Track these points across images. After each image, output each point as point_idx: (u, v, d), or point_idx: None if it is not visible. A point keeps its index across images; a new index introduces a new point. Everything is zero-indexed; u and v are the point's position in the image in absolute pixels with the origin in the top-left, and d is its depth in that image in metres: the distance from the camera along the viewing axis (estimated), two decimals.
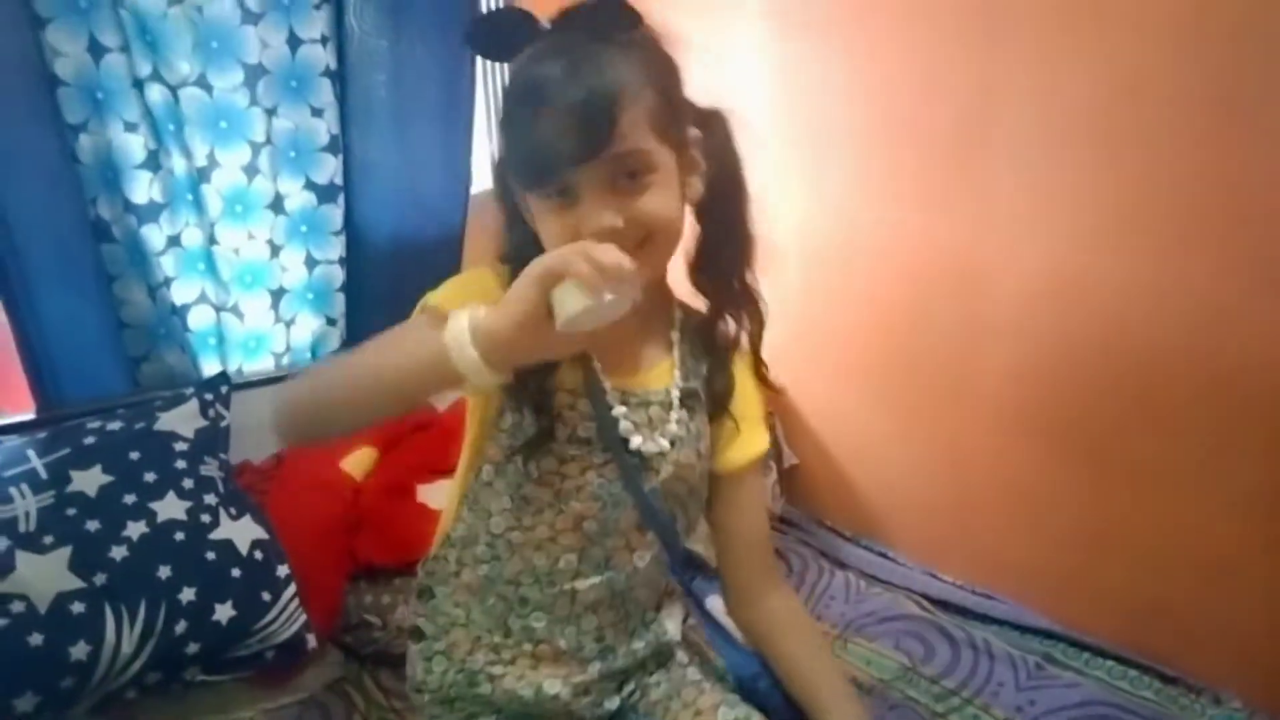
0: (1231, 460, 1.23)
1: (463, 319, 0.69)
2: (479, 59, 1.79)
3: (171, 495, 1.24)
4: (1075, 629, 1.39)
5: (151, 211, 1.51)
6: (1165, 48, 1.18)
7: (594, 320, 0.68)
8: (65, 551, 1.14)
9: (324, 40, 1.60)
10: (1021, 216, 1.39)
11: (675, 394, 0.91)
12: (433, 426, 1.58)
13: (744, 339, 0.95)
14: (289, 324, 1.73)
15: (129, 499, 1.21)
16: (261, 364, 1.72)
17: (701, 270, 0.92)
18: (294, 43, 1.58)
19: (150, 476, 1.25)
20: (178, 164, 1.52)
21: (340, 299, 1.76)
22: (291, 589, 1.27)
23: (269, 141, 1.60)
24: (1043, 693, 1.26)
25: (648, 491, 0.89)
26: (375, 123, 1.71)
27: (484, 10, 0.74)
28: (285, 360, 1.74)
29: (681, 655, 1.03)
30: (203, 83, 1.52)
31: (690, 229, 0.88)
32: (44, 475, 1.20)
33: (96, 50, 1.41)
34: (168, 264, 1.55)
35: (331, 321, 1.77)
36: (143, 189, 1.50)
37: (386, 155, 1.73)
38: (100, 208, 1.48)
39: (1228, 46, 1.13)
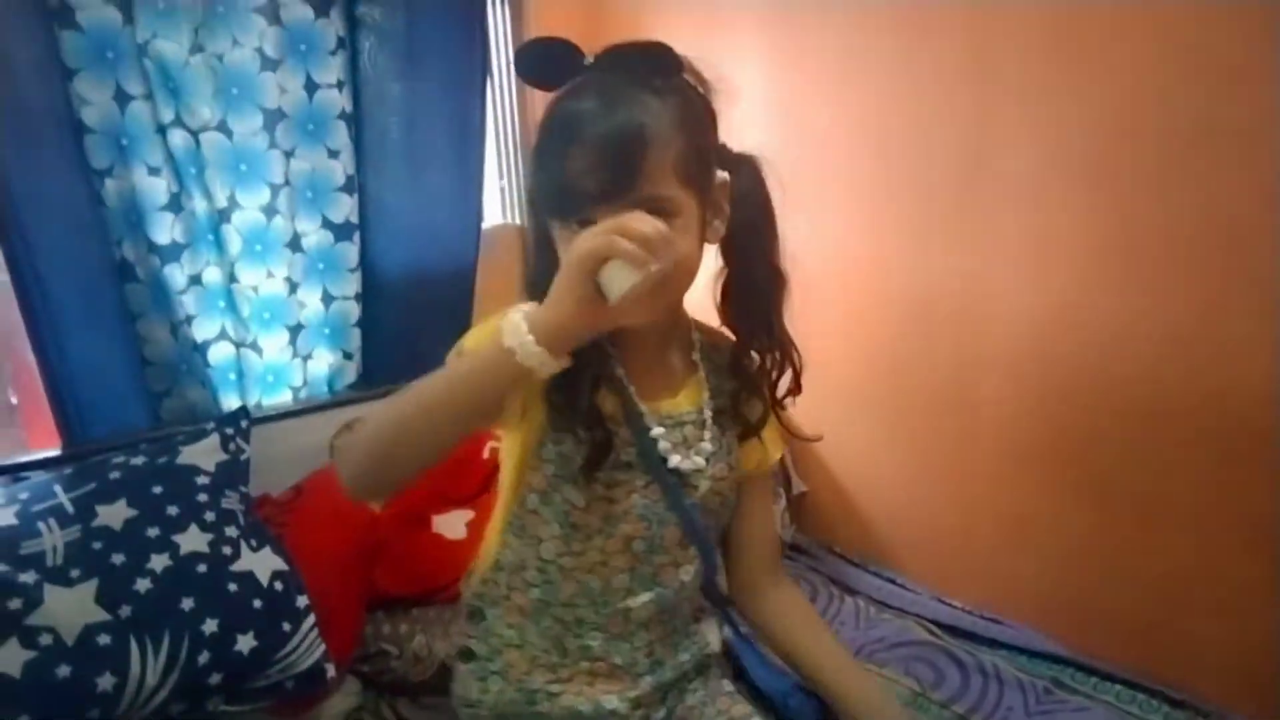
0: (1234, 487, 1.24)
1: (516, 317, 0.72)
2: (489, 99, 1.85)
3: (194, 528, 1.27)
4: (1084, 653, 1.39)
5: (173, 252, 1.56)
6: (1153, 88, 1.22)
7: (643, 289, 0.71)
8: (92, 585, 1.16)
9: (340, 85, 1.65)
10: (1019, 252, 1.42)
11: (708, 413, 0.95)
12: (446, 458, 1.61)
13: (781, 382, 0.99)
14: (306, 359, 1.77)
15: (152, 532, 1.24)
16: (280, 398, 1.76)
17: (729, 306, 0.96)
18: (311, 87, 1.63)
19: (173, 510, 1.28)
20: (199, 205, 1.57)
21: (356, 333, 1.80)
22: (311, 619, 1.29)
23: (287, 183, 1.65)
24: (1052, 717, 1.27)
25: (688, 506, 0.94)
26: (389, 163, 1.76)
27: (534, 38, 0.80)
28: (303, 394, 1.77)
29: (716, 668, 1.08)
30: (223, 127, 1.57)
31: (717, 266, 0.93)
32: (71, 510, 1.23)
33: (122, 98, 1.46)
34: (189, 302, 1.60)
35: (348, 356, 1.80)
36: (165, 230, 1.54)
37: (400, 194, 1.77)
38: (125, 249, 1.53)
39: (1214, 87, 1.16)
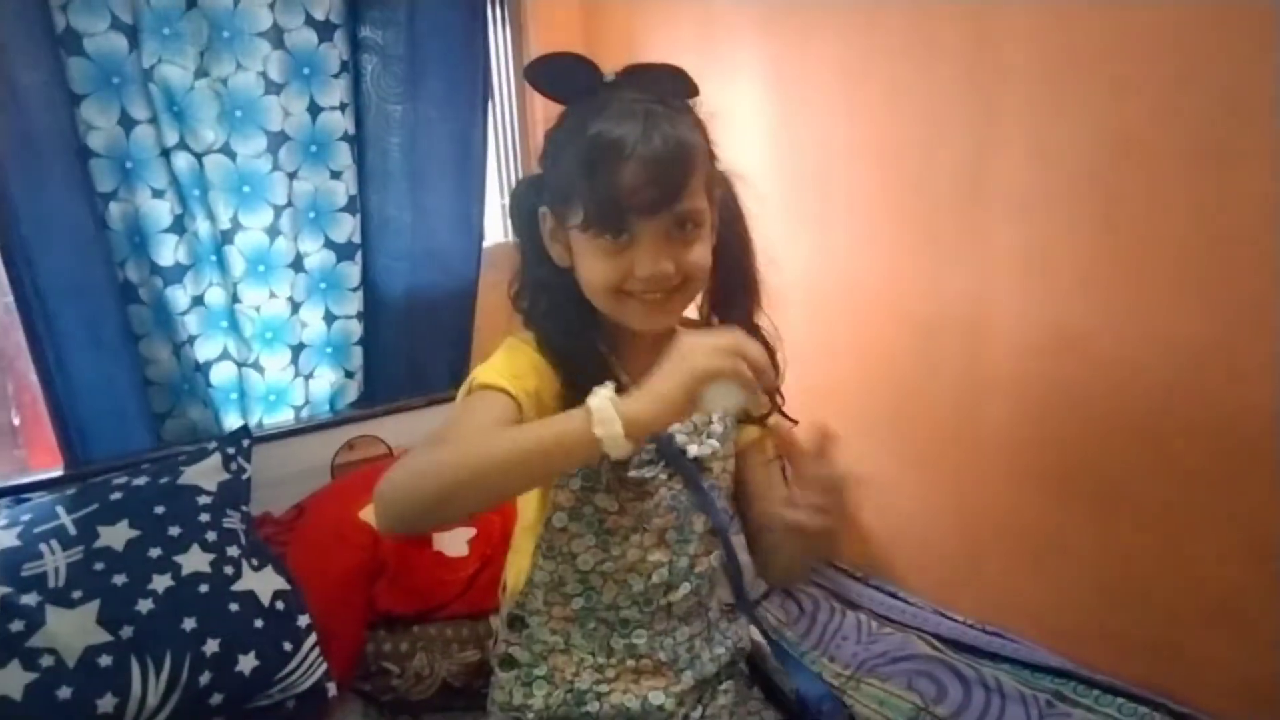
0: (1237, 501, 1.24)
1: (606, 406, 0.73)
2: (490, 121, 1.87)
3: (195, 548, 1.28)
4: (1086, 666, 1.39)
5: (177, 273, 1.57)
6: (1152, 107, 1.23)
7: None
8: (93, 606, 1.17)
9: (343, 107, 1.67)
10: (1023, 271, 1.43)
11: None
12: None
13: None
14: (308, 378, 1.78)
15: (154, 553, 1.25)
16: (282, 417, 1.77)
17: (717, 308, 1.00)
18: (314, 110, 1.65)
19: (175, 530, 1.28)
20: (202, 227, 1.59)
21: (358, 352, 1.81)
22: (312, 638, 1.29)
23: (290, 204, 1.67)
24: None
25: (708, 488, 0.99)
26: (391, 183, 1.77)
27: (549, 53, 0.83)
28: (305, 413, 1.78)
29: (744, 673, 1.12)
30: (227, 150, 1.59)
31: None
32: (73, 531, 1.24)
33: (127, 123, 1.48)
34: (191, 323, 1.61)
35: (350, 374, 1.81)
36: (169, 252, 1.56)
37: (402, 214, 1.79)
38: (128, 270, 1.55)
39: (1210, 106, 1.17)
